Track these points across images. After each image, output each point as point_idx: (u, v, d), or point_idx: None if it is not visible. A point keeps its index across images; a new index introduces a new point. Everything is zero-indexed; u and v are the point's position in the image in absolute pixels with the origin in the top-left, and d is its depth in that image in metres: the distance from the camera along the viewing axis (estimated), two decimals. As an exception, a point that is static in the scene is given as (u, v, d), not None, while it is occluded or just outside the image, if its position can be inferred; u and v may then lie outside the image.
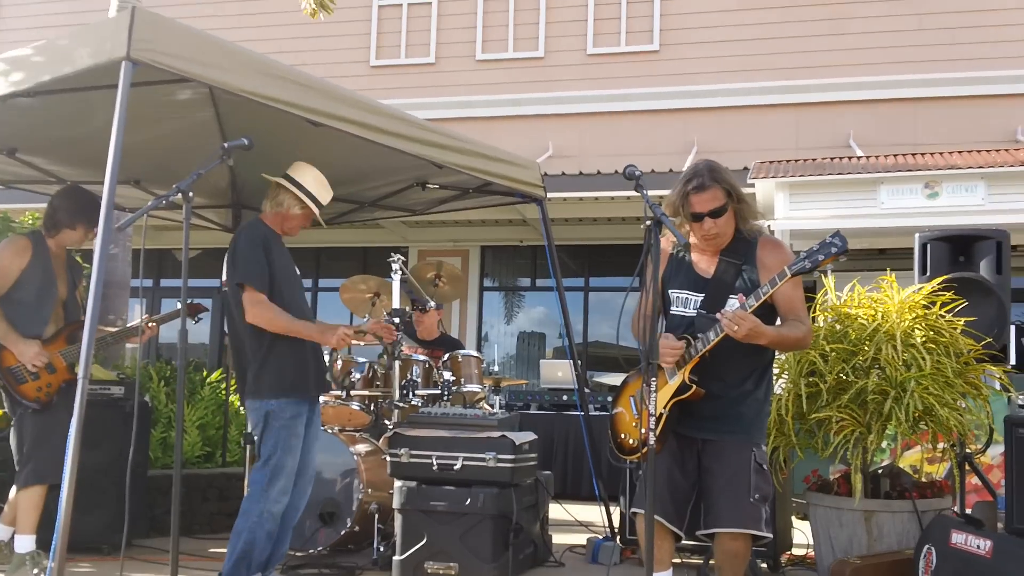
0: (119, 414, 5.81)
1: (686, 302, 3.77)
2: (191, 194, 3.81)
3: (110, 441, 5.61)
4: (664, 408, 3.61)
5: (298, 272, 4.68)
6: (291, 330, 4.29)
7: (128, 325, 5.06)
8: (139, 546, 5.78)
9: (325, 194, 4.63)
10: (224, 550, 4.31)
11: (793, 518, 5.93)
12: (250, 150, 4.13)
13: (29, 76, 4.29)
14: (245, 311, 4.28)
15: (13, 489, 5.03)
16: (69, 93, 4.58)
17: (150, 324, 5.05)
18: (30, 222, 7.17)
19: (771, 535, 3.70)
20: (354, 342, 4.59)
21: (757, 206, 9.82)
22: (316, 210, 4.58)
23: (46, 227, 5.13)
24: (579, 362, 6.76)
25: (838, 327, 5.09)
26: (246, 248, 4.33)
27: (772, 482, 3.78)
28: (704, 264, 3.79)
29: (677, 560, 5.21)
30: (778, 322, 3.70)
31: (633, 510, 3.88)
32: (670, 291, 3.82)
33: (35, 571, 4.81)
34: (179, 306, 4.24)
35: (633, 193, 9.18)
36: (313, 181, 4.57)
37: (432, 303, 6.63)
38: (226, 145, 4.04)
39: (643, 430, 3.62)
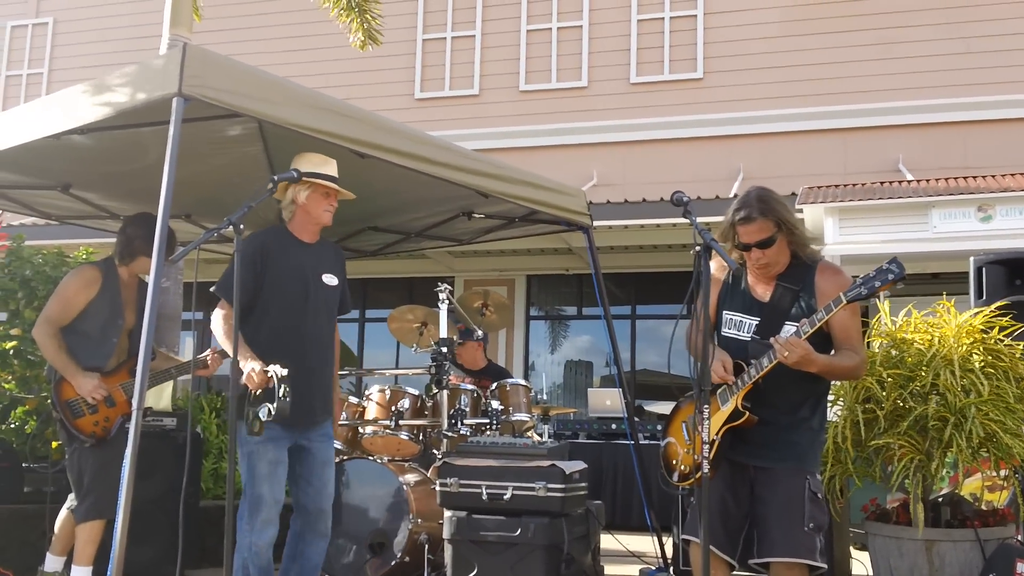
0: (171, 445, 5.86)
1: (739, 325, 3.73)
2: (241, 226, 3.83)
3: (162, 472, 5.64)
4: (717, 434, 3.56)
5: (327, 282, 4.47)
6: (233, 352, 4.02)
7: (195, 357, 4.96)
8: (190, 577, 5.81)
9: (328, 168, 4.40)
10: (276, 582, 4.30)
11: (851, 548, 5.80)
12: (298, 182, 4.15)
13: (83, 114, 4.36)
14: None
15: (60, 517, 5.03)
16: (121, 130, 4.65)
17: (214, 355, 4.84)
18: (84, 257, 7.24)
19: (826, 566, 3.62)
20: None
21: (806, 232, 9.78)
22: (326, 181, 4.35)
23: (120, 256, 5.03)
24: (628, 390, 6.70)
25: (894, 352, 5.00)
26: (230, 264, 4.10)
27: (827, 511, 3.71)
28: (760, 288, 3.75)
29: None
30: (832, 351, 3.65)
31: (685, 537, 3.82)
32: (724, 312, 3.79)
33: None
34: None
35: (679, 220, 9.10)
36: (308, 163, 4.34)
37: (480, 332, 6.63)
38: (276, 178, 4.06)
39: (696, 456, 3.58)
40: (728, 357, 3.65)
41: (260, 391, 3.92)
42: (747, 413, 3.55)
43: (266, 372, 3.90)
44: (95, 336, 4.89)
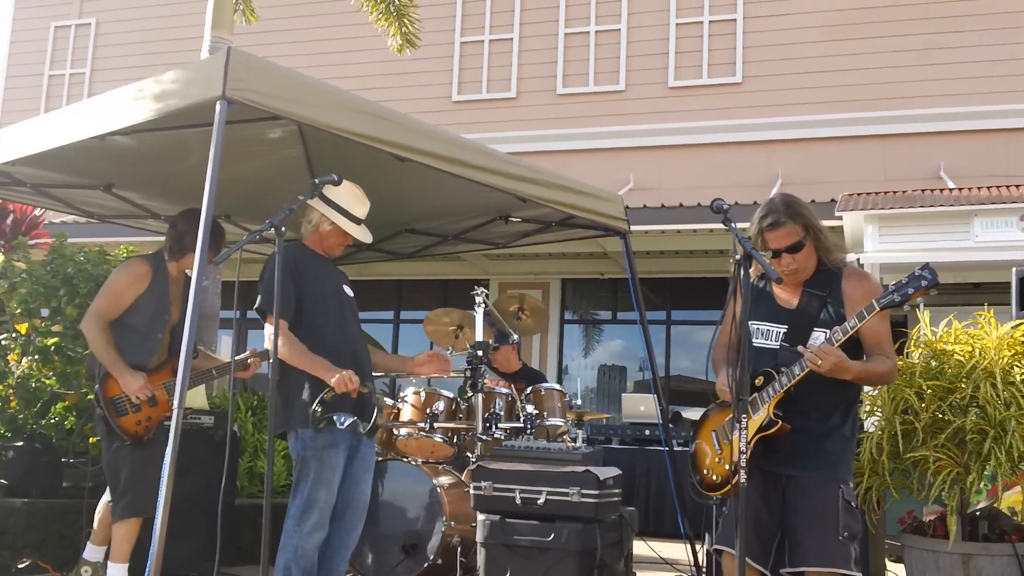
0: (209, 444, 5.92)
1: (767, 334, 3.71)
2: (283, 228, 3.87)
3: (199, 470, 5.69)
4: (749, 444, 3.54)
5: (349, 294, 4.55)
6: (298, 363, 4.16)
7: (235, 358, 4.97)
8: (226, 574, 5.85)
9: (360, 207, 4.48)
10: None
11: (887, 560, 5.75)
12: (339, 185, 4.19)
13: (128, 116, 4.42)
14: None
15: (99, 508, 5.05)
16: (164, 131, 4.71)
17: (254, 358, 4.92)
18: (124, 255, 7.31)
19: (860, 575, 3.59)
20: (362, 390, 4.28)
21: (845, 239, 9.74)
22: (348, 227, 4.43)
23: (171, 252, 5.00)
24: (662, 396, 6.68)
25: (933, 363, 4.95)
26: (266, 276, 4.18)
27: (860, 520, 3.68)
28: (786, 295, 3.73)
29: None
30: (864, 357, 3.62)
31: (717, 547, 3.80)
32: (751, 322, 3.76)
33: None
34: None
35: (716, 226, 9.07)
36: (345, 194, 4.42)
37: (515, 336, 6.64)
38: (316, 181, 4.10)
39: (727, 466, 3.56)
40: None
41: (331, 395, 4.03)
42: (780, 422, 3.53)
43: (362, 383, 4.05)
44: (141, 331, 4.88)
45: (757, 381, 3.61)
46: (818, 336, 3.57)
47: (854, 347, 3.55)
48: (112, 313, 4.86)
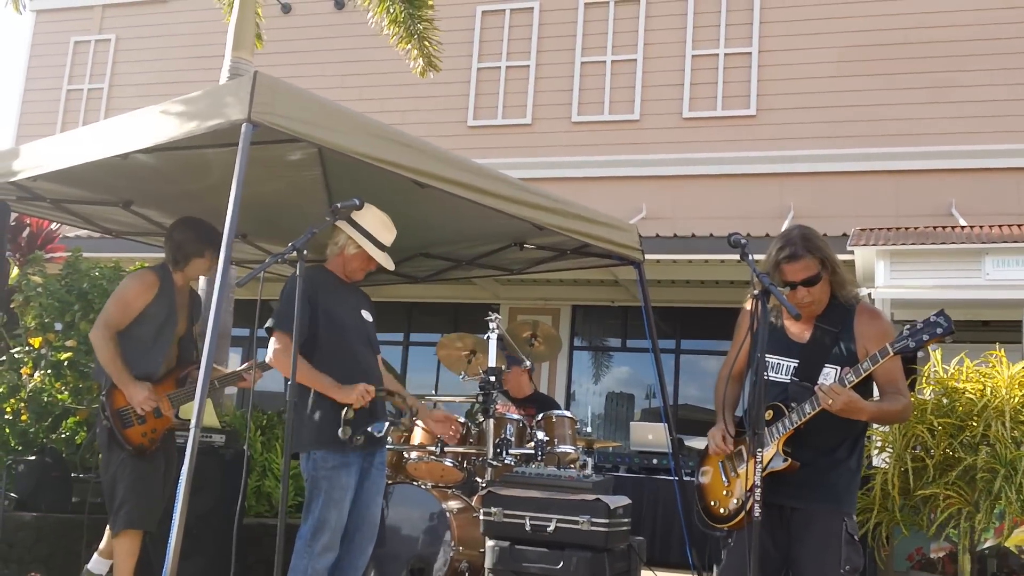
0: (219, 462, 5.90)
1: (778, 368, 3.70)
2: (305, 252, 3.91)
3: (208, 489, 5.65)
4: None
5: (367, 319, 4.59)
6: (309, 382, 4.21)
7: (236, 369, 5.06)
8: (232, 593, 5.85)
9: (387, 234, 4.53)
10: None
11: (894, 597, 5.72)
12: (360, 210, 4.23)
13: (152, 135, 4.47)
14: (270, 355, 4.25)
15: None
16: (185, 150, 4.77)
17: (253, 369, 4.94)
18: (139, 271, 7.33)
19: None
20: (388, 400, 4.40)
21: (857, 273, 9.74)
22: (374, 253, 4.47)
23: (174, 261, 5.02)
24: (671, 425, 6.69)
25: (945, 401, 4.96)
26: (284, 296, 4.25)
27: (863, 554, 3.68)
28: (797, 330, 3.72)
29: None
30: (876, 395, 3.63)
31: None
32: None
33: None
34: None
35: (728, 256, 9.05)
36: (373, 220, 4.48)
37: (528, 362, 6.66)
38: (339, 205, 4.15)
39: (734, 500, 3.57)
40: (730, 428, 3.65)
41: (353, 411, 4.10)
42: (789, 460, 3.53)
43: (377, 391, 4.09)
44: (148, 342, 4.88)
45: (767, 415, 3.61)
46: (828, 372, 3.57)
47: (865, 384, 3.55)
48: (121, 323, 4.86)
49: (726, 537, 3.70)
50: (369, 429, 4.09)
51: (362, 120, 4.55)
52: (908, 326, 3.40)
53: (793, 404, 3.55)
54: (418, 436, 6.15)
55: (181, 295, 5.07)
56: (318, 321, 4.34)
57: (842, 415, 3.43)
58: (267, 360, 4.29)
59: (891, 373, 3.55)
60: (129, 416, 4.78)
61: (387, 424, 4.11)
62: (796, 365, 3.66)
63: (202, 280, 8.06)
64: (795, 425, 3.53)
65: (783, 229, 11.51)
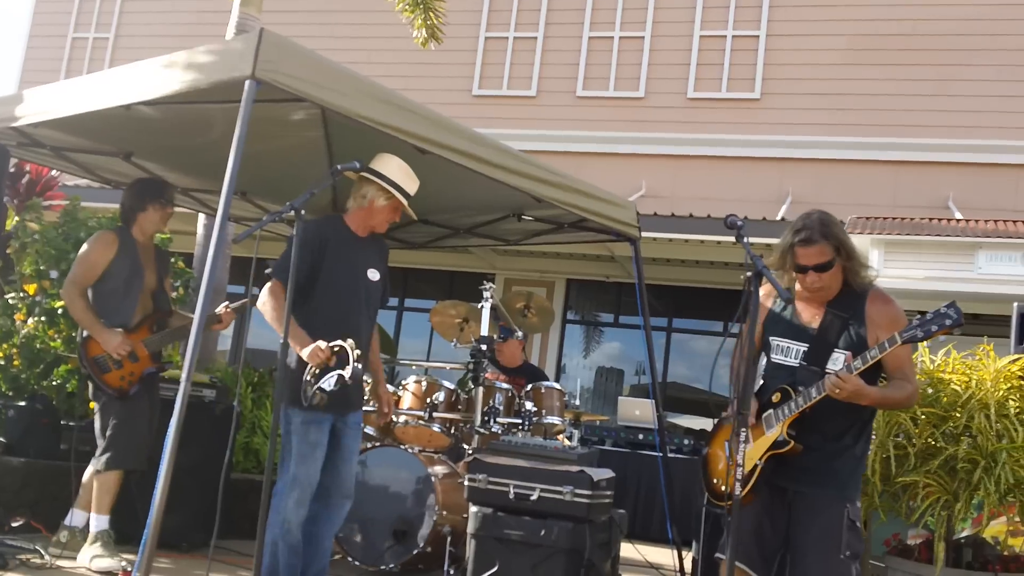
0: (208, 417, 5.94)
1: (787, 351, 3.74)
2: (303, 212, 3.93)
3: (196, 443, 5.63)
4: (760, 459, 3.59)
5: (372, 278, 4.59)
6: (276, 326, 4.15)
7: (209, 313, 5.12)
8: (217, 546, 5.89)
9: (411, 184, 4.55)
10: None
11: (869, 581, 5.80)
12: (378, 185, 4.25)
13: (156, 87, 4.47)
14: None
15: (88, 471, 5.19)
16: (188, 104, 4.77)
17: (227, 310, 5.28)
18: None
19: None
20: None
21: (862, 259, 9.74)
22: (403, 199, 4.50)
23: (125, 221, 5.37)
24: (660, 403, 6.74)
25: (930, 391, 5.00)
26: (288, 246, 4.25)
27: (863, 540, 3.73)
28: (807, 314, 3.75)
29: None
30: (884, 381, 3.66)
31: (718, 555, 3.86)
32: (770, 338, 3.80)
33: (106, 552, 4.95)
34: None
35: (724, 238, 9.09)
36: (398, 170, 4.51)
37: (519, 333, 6.69)
38: (339, 167, 4.16)
39: (733, 477, 3.61)
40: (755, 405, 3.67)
41: (319, 368, 4.09)
42: (792, 442, 3.57)
43: (332, 348, 4.08)
44: (118, 294, 5.19)
45: (774, 397, 3.65)
46: (838, 357, 3.60)
47: (873, 370, 3.58)
48: (87, 280, 5.20)
49: (727, 515, 3.74)
50: (321, 387, 4.09)
51: (367, 84, 4.55)
52: (918, 316, 3.42)
53: (800, 388, 3.58)
54: (407, 400, 6.20)
55: (145, 251, 5.37)
56: (319, 275, 4.36)
57: (848, 401, 3.47)
58: (258, 304, 4.34)
59: (899, 360, 3.58)
60: (105, 362, 5.10)
61: (335, 377, 4.08)
62: (806, 349, 3.69)
63: (199, 234, 8.08)
64: (800, 408, 3.56)
65: (781, 214, 11.57)
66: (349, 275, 4.48)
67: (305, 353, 4.14)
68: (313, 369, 4.11)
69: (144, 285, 5.28)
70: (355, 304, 4.50)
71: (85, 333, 5.15)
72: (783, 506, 3.70)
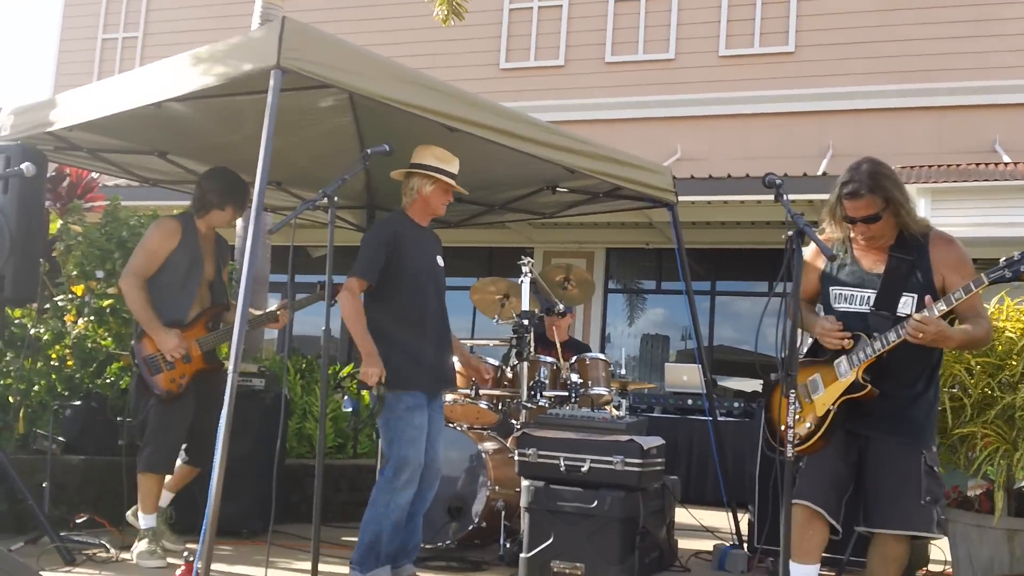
0: (259, 405, 6.04)
1: (852, 299, 3.73)
2: (336, 198, 3.94)
3: (249, 431, 5.78)
4: (833, 405, 3.60)
5: (439, 265, 4.77)
6: (351, 329, 4.39)
7: (269, 310, 5.17)
8: (276, 531, 5.98)
9: (451, 165, 4.67)
10: (355, 538, 4.47)
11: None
12: (390, 156, 4.25)
13: (184, 83, 4.51)
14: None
15: (179, 460, 5.22)
16: (218, 98, 4.79)
17: (283, 310, 5.19)
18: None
19: (944, 535, 3.68)
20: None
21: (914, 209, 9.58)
22: (447, 179, 4.62)
23: (196, 208, 5.18)
24: (705, 366, 6.70)
25: (984, 340, 4.90)
26: (364, 243, 4.53)
27: (943, 485, 3.71)
28: (868, 261, 3.74)
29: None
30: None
31: (795, 500, 3.84)
32: (831, 288, 3.78)
33: (153, 546, 4.98)
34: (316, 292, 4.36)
35: (763, 197, 8.95)
36: (434, 157, 4.63)
37: (561, 306, 6.67)
38: (369, 151, 4.16)
39: (807, 423, 3.65)
40: (833, 321, 3.66)
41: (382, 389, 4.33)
42: (868, 386, 3.56)
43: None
44: (176, 287, 5.03)
45: (846, 344, 3.63)
46: (906, 301, 3.58)
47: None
48: (147, 271, 5.02)
49: (797, 461, 3.71)
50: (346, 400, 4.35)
51: (391, 65, 4.54)
52: (1005, 258, 3.39)
53: (875, 334, 3.56)
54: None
55: (206, 241, 5.21)
56: (398, 269, 4.51)
57: (930, 345, 3.46)
58: (338, 299, 4.42)
59: (973, 299, 3.54)
60: (157, 363, 4.96)
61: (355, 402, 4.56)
62: (875, 294, 3.67)
63: (239, 225, 8.14)
64: (877, 353, 3.55)
65: (822, 168, 11.35)
66: (423, 265, 4.64)
67: (371, 373, 4.31)
68: (380, 387, 4.33)
69: (202, 277, 5.14)
70: (432, 291, 4.68)
71: (140, 328, 5.01)
72: (855, 451, 3.71)
